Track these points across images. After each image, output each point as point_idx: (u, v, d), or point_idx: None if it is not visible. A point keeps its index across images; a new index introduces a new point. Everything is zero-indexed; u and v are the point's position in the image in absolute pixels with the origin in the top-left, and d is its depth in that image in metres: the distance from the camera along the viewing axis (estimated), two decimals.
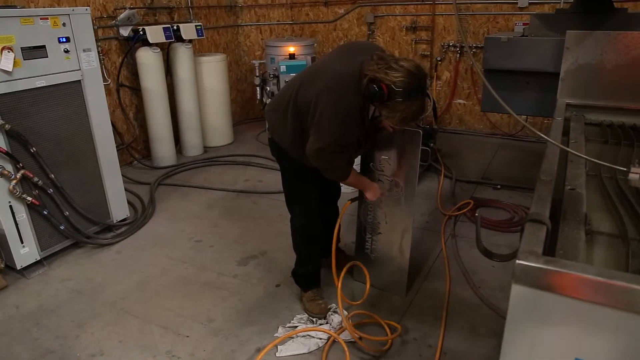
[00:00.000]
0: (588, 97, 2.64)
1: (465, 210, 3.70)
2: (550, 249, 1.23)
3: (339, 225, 2.64)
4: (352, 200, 2.68)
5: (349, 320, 2.48)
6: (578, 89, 2.70)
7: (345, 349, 2.30)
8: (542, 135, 1.46)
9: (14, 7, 3.06)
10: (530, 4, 5.05)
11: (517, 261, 1.04)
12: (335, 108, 2.05)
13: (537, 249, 1.10)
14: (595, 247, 1.36)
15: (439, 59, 5.70)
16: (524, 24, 4.79)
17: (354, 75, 2.03)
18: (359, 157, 2.63)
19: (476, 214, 3.67)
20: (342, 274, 2.54)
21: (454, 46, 5.56)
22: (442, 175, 4.32)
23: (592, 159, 1.36)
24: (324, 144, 2.10)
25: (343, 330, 2.45)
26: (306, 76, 2.25)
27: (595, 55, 2.64)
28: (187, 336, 2.50)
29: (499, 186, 4.17)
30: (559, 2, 4.81)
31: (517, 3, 5.11)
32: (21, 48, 2.85)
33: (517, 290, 1.06)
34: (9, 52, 2.77)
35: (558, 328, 1.05)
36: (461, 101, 5.80)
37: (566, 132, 2.23)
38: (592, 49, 2.64)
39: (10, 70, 2.79)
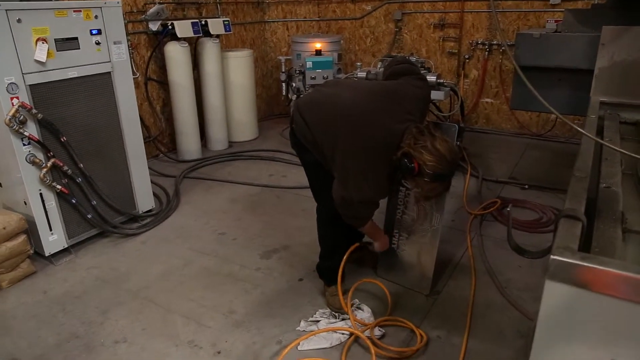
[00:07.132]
0: (623, 95, 2.54)
1: (492, 209, 3.63)
2: (584, 247, 1.18)
3: (353, 249, 2.64)
4: (361, 246, 2.72)
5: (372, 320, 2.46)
6: (613, 87, 2.62)
7: (370, 345, 2.27)
8: (578, 128, 1.42)
9: None
10: (562, 1, 4.92)
11: (552, 257, 1.01)
12: (365, 173, 2.14)
13: (572, 245, 1.06)
14: (631, 247, 1.31)
15: (466, 56, 5.61)
16: (555, 21, 4.66)
17: (391, 145, 2.10)
18: None
19: (508, 209, 3.57)
20: (349, 297, 2.55)
21: (483, 44, 5.45)
22: (469, 174, 4.25)
23: (630, 154, 1.30)
24: (349, 197, 2.19)
25: (367, 329, 2.43)
26: (345, 119, 2.18)
27: (632, 52, 2.55)
28: (209, 327, 2.52)
29: (526, 186, 4.08)
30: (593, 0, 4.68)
31: (549, 0, 4.99)
32: (55, 39, 2.91)
33: (551, 287, 1.02)
34: (43, 43, 2.83)
35: (593, 327, 1.01)
36: (489, 100, 5.70)
37: (600, 131, 2.15)
38: (629, 45, 2.55)
39: (44, 61, 2.84)
